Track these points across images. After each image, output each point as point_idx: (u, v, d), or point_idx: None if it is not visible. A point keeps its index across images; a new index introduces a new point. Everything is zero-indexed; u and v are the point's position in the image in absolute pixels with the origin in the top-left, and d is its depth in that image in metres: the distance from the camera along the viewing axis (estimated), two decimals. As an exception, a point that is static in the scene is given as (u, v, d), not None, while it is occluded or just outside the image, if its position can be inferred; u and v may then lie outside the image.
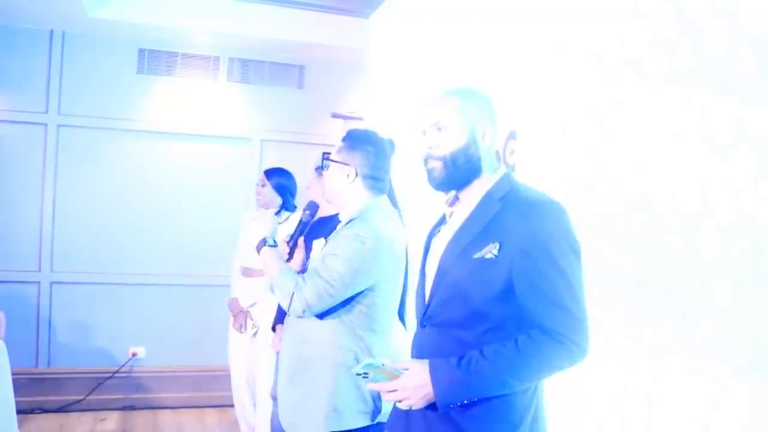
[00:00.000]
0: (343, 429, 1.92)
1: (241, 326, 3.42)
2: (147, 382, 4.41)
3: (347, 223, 1.98)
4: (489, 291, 1.39)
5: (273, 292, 1.99)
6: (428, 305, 1.51)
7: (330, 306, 1.91)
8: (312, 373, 1.95)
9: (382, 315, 1.98)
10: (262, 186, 3.48)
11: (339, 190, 2.03)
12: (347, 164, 2.01)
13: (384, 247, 1.91)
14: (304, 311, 1.89)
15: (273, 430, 3.12)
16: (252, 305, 3.42)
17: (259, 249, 2.07)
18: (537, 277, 1.35)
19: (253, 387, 3.52)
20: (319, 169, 3.06)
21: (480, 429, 1.40)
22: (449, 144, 1.48)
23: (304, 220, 2.17)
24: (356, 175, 2.00)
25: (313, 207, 2.21)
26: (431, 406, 1.43)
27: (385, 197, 2.07)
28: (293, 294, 1.89)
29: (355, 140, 2.05)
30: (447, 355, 1.43)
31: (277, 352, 2.64)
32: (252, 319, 3.42)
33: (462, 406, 1.40)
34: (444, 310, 1.47)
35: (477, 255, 1.41)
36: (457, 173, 1.48)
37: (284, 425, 2.03)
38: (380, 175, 2.04)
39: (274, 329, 3.05)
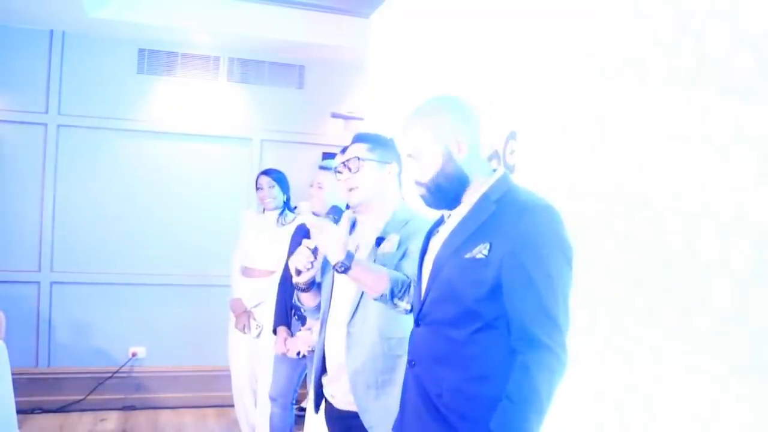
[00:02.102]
0: None
1: (244, 326, 3.41)
2: (147, 382, 4.42)
3: (408, 221, 1.92)
4: (479, 290, 1.40)
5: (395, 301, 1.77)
6: (422, 303, 1.53)
7: None
8: (399, 368, 1.83)
9: None
10: (271, 188, 3.47)
11: (380, 190, 1.97)
12: (389, 162, 1.98)
13: None
14: None
15: (273, 430, 3.12)
16: (256, 306, 3.41)
17: (347, 270, 1.70)
18: (524, 279, 1.35)
19: (255, 387, 3.52)
20: (328, 168, 3.03)
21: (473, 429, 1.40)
22: (426, 171, 1.51)
23: None
24: (399, 170, 1.99)
25: (338, 213, 2.16)
26: (426, 408, 1.44)
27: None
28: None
29: (380, 138, 2.03)
30: (438, 353, 1.45)
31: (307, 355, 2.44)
32: (255, 320, 3.41)
33: (456, 405, 1.41)
34: (437, 309, 1.48)
35: (468, 255, 1.42)
36: (441, 194, 1.52)
37: None
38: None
39: (275, 331, 3.05)
